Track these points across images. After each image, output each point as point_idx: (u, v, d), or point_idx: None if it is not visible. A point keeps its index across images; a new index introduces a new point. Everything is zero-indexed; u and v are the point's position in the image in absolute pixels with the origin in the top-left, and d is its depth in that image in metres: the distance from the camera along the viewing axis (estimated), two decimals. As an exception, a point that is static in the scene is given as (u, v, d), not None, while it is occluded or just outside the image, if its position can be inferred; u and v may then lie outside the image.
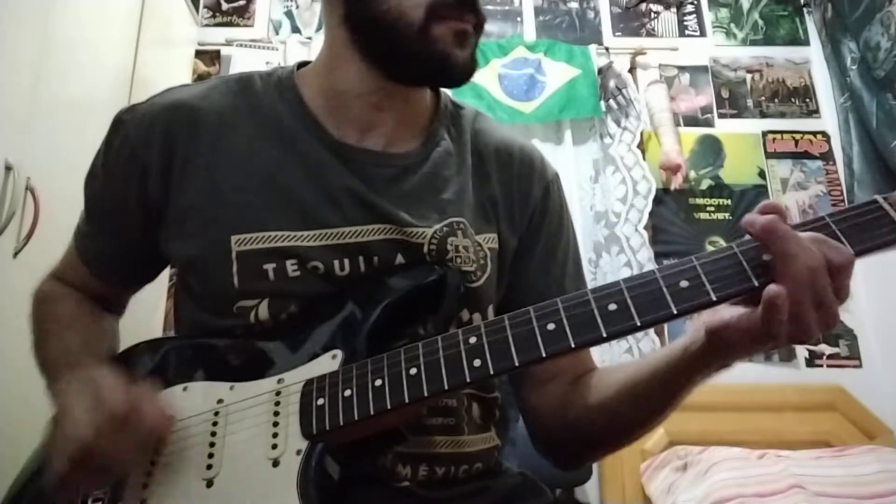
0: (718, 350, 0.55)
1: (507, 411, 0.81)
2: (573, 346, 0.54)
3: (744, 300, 0.53)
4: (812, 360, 2.27)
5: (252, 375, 0.65)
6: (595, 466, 1.96)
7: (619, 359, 2.28)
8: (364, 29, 0.71)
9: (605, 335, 0.54)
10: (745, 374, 2.21)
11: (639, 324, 0.53)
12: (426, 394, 0.57)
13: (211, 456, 0.61)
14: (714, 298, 0.52)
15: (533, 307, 0.57)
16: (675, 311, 0.53)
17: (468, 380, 0.56)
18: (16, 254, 1.34)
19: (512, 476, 0.78)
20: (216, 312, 0.70)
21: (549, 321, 0.55)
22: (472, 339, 0.57)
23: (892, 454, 1.74)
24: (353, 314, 0.66)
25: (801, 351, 2.27)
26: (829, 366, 2.27)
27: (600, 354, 2.24)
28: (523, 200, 0.80)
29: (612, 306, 0.54)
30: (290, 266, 0.68)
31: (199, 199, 0.70)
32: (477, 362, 0.56)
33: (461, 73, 0.70)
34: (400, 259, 0.70)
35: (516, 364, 0.55)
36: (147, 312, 1.81)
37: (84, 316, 0.79)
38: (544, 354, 0.54)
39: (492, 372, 0.56)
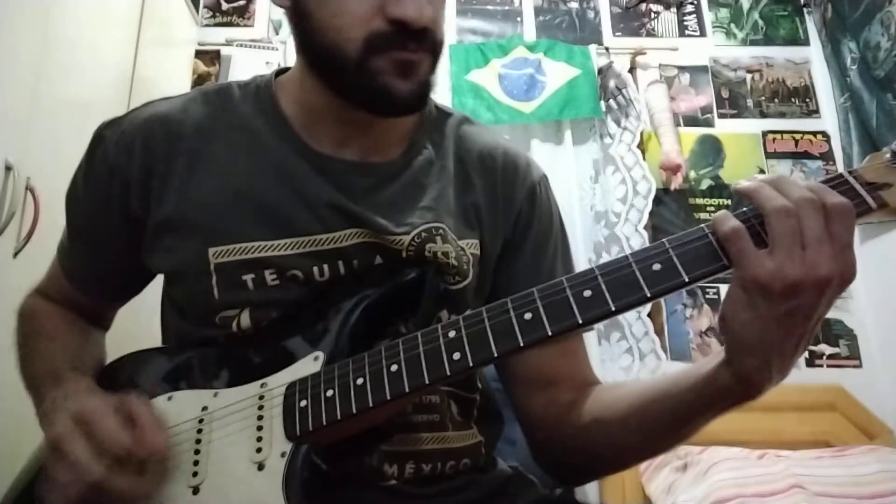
0: (732, 344, 0.53)
1: (491, 412, 0.81)
2: (550, 333, 0.54)
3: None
4: (812, 360, 2.27)
5: (236, 382, 0.65)
6: (595, 466, 1.96)
7: (619, 359, 2.28)
8: (314, 60, 0.71)
9: (580, 321, 0.54)
10: (745, 374, 2.21)
11: (613, 308, 0.53)
12: (407, 389, 0.57)
13: (196, 463, 0.61)
14: (686, 279, 0.52)
15: (510, 298, 0.57)
16: (649, 294, 0.53)
17: (448, 373, 0.56)
18: (16, 254, 1.34)
19: (502, 470, 0.78)
20: (199, 323, 0.71)
21: (526, 311, 0.56)
22: (452, 333, 0.58)
23: (892, 454, 1.74)
24: (333, 316, 0.67)
25: (801, 351, 2.27)
26: (829, 366, 2.27)
27: (600, 353, 2.24)
28: (507, 205, 0.80)
29: (587, 293, 0.54)
30: (269, 275, 0.68)
31: (176, 212, 0.70)
32: (456, 355, 0.56)
33: (405, 105, 0.68)
34: (379, 260, 0.71)
35: (495, 355, 0.55)
36: (147, 313, 1.80)
37: (69, 328, 0.79)
38: (522, 344, 0.55)
39: (471, 364, 0.56)
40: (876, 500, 1.52)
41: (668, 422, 0.61)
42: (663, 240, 0.54)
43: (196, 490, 0.60)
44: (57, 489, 0.56)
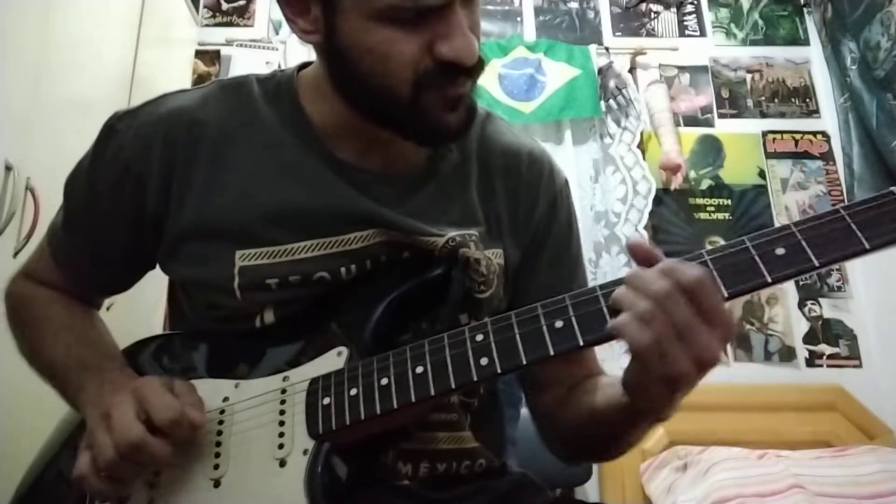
0: (633, 398, 0.57)
1: (487, 416, 0.81)
2: (581, 344, 0.53)
3: None
4: (812, 360, 2.27)
5: (257, 373, 0.65)
6: (595, 467, 1.96)
7: (619, 359, 2.27)
8: (351, 94, 0.68)
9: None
10: (745, 375, 2.21)
11: None
12: (433, 393, 0.56)
13: (218, 455, 0.61)
14: (726, 295, 0.51)
15: (540, 304, 0.56)
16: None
17: (475, 378, 0.55)
18: (16, 254, 1.34)
19: (512, 475, 0.77)
20: (219, 320, 0.70)
21: (558, 319, 0.55)
22: (479, 337, 0.57)
23: (892, 454, 1.74)
24: (357, 310, 0.66)
25: (802, 351, 2.27)
26: (829, 366, 2.26)
27: (600, 353, 2.23)
28: (528, 213, 0.78)
29: None
30: (293, 279, 0.67)
31: (200, 218, 0.69)
32: (484, 361, 0.55)
33: (454, 135, 0.68)
34: (406, 255, 0.69)
35: (524, 363, 0.54)
36: (147, 310, 1.80)
37: (72, 315, 0.77)
38: (552, 353, 0.54)
39: (499, 370, 0.55)
40: (876, 500, 1.52)
41: (616, 428, 0.65)
42: (701, 251, 0.53)
43: (217, 483, 0.60)
44: (95, 449, 0.59)
